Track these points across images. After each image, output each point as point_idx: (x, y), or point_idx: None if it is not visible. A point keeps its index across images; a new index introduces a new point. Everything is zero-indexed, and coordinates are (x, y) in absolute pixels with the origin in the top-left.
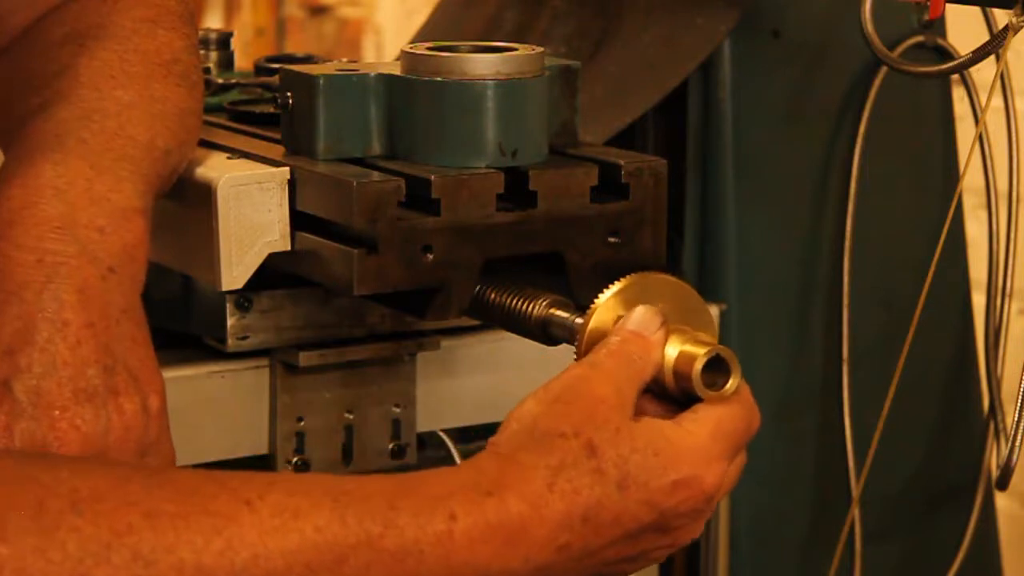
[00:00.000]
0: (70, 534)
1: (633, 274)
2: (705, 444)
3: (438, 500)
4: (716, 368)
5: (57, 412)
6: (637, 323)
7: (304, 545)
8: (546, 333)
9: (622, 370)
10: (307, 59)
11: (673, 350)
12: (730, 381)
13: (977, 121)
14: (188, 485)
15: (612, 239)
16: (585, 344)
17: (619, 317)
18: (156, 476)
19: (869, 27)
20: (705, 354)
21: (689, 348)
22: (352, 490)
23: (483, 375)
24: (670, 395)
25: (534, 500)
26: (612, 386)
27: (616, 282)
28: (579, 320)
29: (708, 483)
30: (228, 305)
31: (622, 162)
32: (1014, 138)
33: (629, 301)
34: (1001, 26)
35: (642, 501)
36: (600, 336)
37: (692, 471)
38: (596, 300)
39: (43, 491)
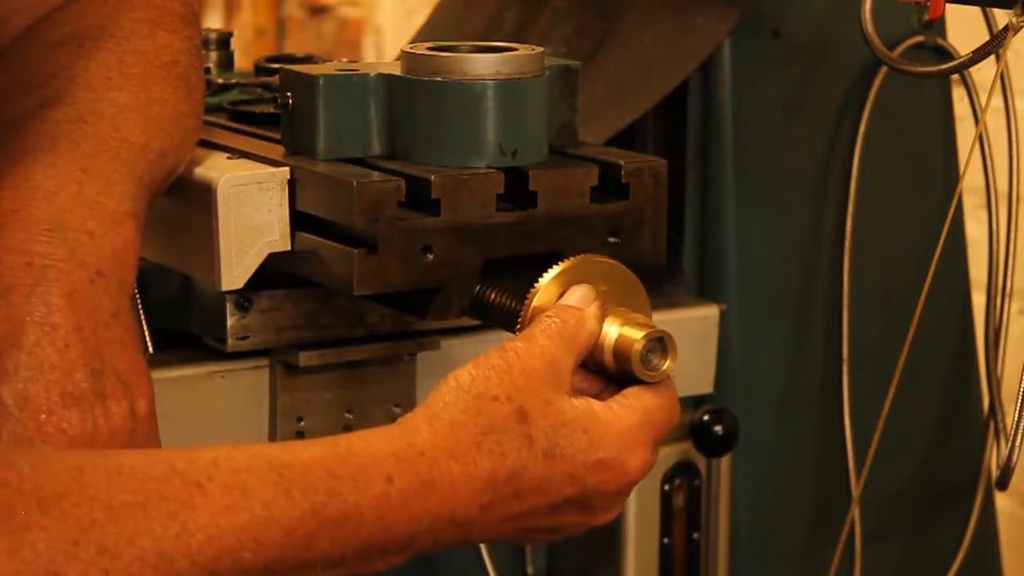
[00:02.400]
0: (39, 533)
1: (575, 257)
2: (633, 430)
3: (375, 463)
4: (653, 350)
5: (44, 416)
6: (573, 300)
7: (253, 521)
8: None
9: (555, 342)
10: (307, 59)
11: (613, 330)
12: (667, 362)
13: (977, 121)
14: (141, 472)
15: (612, 239)
16: (527, 323)
17: (560, 297)
18: (110, 463)
19: (869, 27)
20: (645, 336)
21: (629, 329)
22: (292, 462)
23: None
24: (608, 373)
25: (462, 458)
26: (545, 359)
27: (558, 264)
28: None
29: (631, 467)
30: (228, 305)
31: (622, 162)
32: (1014, 138)
33: (570, 282)
34: (1001, 26)
35: (567, 474)
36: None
37: (618, 453)
38: (539, 282)
39: (9, 492)
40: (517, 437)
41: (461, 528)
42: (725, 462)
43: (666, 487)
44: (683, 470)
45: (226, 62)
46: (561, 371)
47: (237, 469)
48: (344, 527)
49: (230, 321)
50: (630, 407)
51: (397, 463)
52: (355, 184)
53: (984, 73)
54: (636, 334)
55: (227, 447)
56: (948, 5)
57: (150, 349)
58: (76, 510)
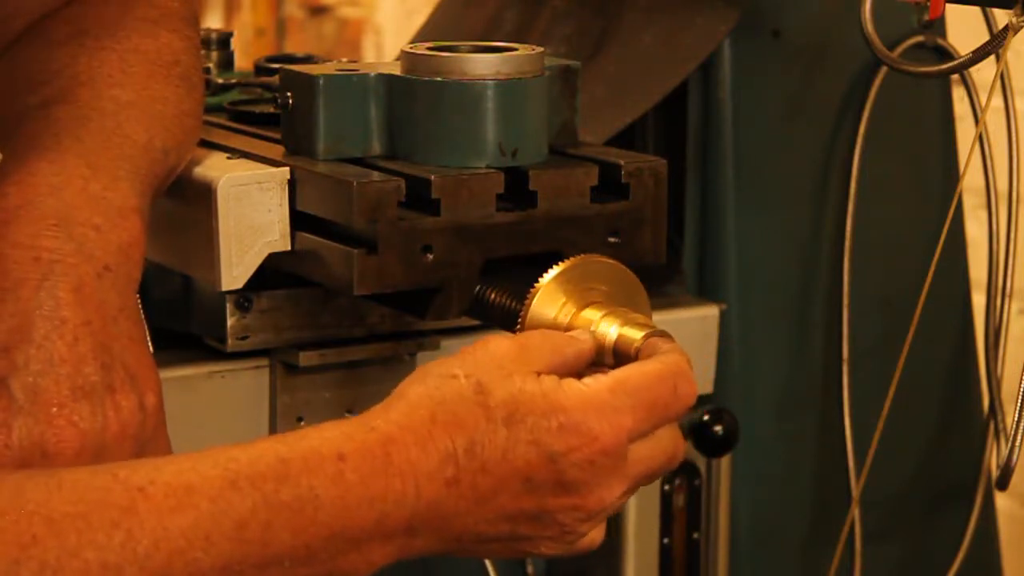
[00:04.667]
0: None
1: (575, 257)
2: (600, 396)
3: (325, 442)
4: None
5: (55, 409)
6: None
7: (200, 518)
8: None
9: (535, 337)
10: (307, 59)
11: (613, 330)
12: None
13: (977, 121)
14: (81, 482)
15: (612, 239)
16: (527, 323)
17: (562, 301)
18: (50, 479)
19: (869, 27)
20: (645, 336)
21: (629, 329)
22: (239, 455)
23: None
24: None
25: (417, 430)
26: (517, 344)
27: (558, 264)
28: (517, 304)
29: (600, 431)
30: (228, 305)
31: (622, 162)
32: (1014, 138)
33: (570, 282)
34: (1001, 26)
35: (530, 441)
36: (539, 316)
37: (581, 416)
38: (539, 282)
39: None
40: (474, 406)
41: (433, 509)
42: (725, 462)
43: (666, 487)
44: (683, 470)
45: (226, 62)
46: (532, 357)
47: (180, 469)
48: (302, 513)
49: (230, 321)
50: (599, 378)
51: (348, 440)
52: (355, 184)
53: (984, 73)
54: (636, 334)
55: (173, 455)
56: (948, 5)
57: (150, 349)
58: (16, 527)
